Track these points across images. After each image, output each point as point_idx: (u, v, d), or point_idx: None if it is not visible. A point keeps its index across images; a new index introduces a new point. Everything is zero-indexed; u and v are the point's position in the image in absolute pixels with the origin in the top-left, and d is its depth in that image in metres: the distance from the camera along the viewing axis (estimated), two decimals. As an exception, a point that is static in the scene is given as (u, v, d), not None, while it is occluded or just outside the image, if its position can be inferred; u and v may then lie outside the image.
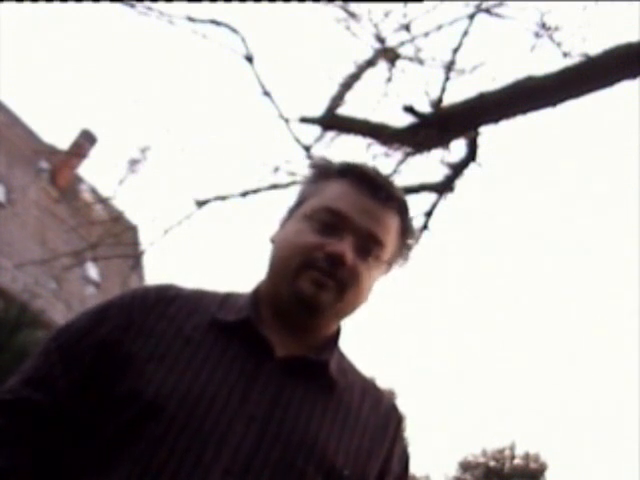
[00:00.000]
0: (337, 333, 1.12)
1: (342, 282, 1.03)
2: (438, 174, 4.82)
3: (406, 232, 1.12)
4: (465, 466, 20.44)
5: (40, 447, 0.98)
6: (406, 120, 4.22)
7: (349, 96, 4.80)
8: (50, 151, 13.67)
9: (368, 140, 4.52)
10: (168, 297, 1.07)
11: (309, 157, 4.77)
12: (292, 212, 1.12)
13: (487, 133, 4.40)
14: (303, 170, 4.88)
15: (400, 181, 4.82)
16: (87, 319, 1.07)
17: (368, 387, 1.12)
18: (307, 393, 1.01)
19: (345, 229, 1.04)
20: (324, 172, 1.12)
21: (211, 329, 1.03)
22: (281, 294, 1.05)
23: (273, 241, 1.11)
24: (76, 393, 1.00)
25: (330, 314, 1.05)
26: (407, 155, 4.63)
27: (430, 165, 5.74)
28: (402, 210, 1.10)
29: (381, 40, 4.66)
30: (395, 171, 4.71)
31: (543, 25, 4.32)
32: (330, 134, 4.77)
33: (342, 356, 1.12)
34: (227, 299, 1.09)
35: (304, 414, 0.99)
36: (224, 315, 1.05)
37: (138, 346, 1.00)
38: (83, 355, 1.02)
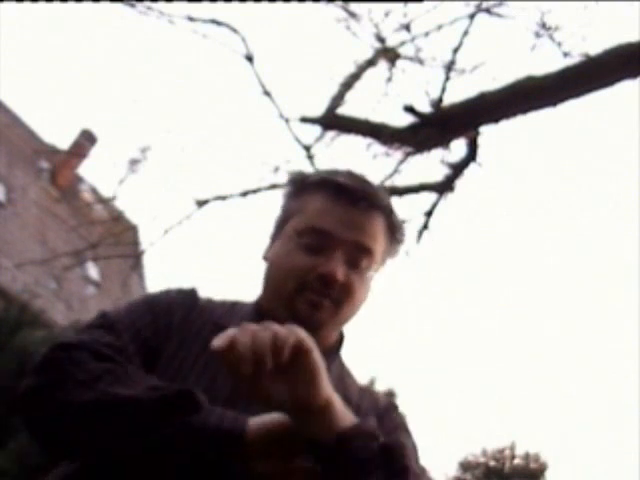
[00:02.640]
0: (339, 341, 1.13)
1: (337, 299, 1.04)
2: (438, 174, 4.84)
3: (393, 228, 1.11)
4: (465, 466, 20.38)
5: None
6: (406, 120, 4.24)
7: (349, 96, 4.81)
8: (50, 151, 13.68)
9: (368, 140, 4.53)
10: (189, 303, 1.07)
11: (309, 157, 4.77)
12: (279, 228, 1.12)
13: (487, 132, 4.41)
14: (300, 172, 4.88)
15: (400, 181, 4.83)
16: (140, 310, 1.04)
17: (365, 392, 1.12)
18: None
19: (333, 246, 1.04)
20: (301, 186, 1.12)
21: (214, 335, 1.03)
22: (279, 313, 1.04)
23: (266, 259, 1.11)
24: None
25: (328, 329, 1.06)
26: (407, 155, 4.64)
27: (430, 165, 5.75)
28: (385, 209, 1.09)
29: (381, 40, 4.68)
30: (395, 171, 4.72)
31: (543, 25, 4.34)
32: (330, 134, 4.78)
33: (342, 365, 1.12)
34: (233, 307, 1.10)
35: None
36: (227, 322, 1.05)
37: (164, 348, 1.00)
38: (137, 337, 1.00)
